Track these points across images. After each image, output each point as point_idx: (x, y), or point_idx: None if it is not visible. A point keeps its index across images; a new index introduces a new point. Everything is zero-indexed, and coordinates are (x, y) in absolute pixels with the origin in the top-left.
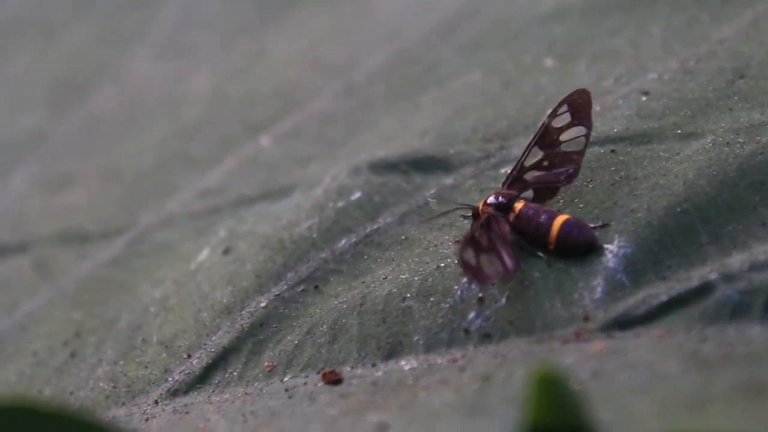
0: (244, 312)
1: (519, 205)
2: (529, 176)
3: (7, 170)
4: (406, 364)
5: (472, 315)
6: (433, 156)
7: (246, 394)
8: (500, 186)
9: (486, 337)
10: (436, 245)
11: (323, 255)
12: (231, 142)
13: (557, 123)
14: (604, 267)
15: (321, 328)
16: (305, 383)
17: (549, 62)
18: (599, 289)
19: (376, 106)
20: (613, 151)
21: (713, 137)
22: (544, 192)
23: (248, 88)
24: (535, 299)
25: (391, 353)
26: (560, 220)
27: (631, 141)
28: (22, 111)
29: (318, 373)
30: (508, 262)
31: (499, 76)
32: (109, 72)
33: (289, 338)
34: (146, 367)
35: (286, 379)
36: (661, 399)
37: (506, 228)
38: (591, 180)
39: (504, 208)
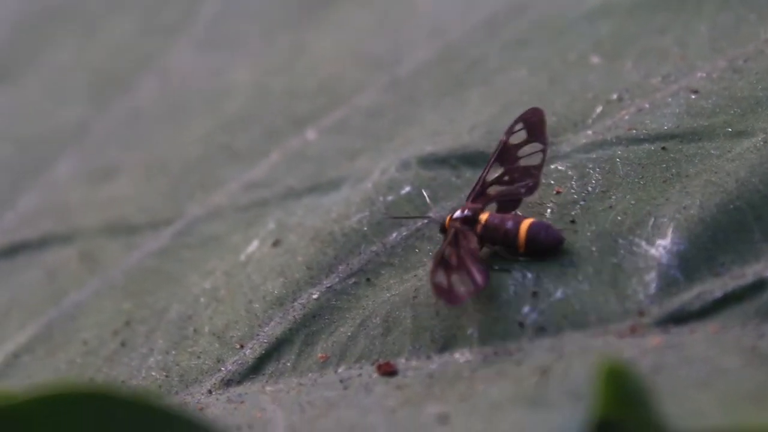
0: (296, 303)
1: (484, 216)
2: (492, 190)
3: (51, 161)
4: (461, 356)
5: (526, 309)
6: (482, 151)
7: (300, 384)
8: (465, 201)
9: (541, 330)
10: None
11: (374, 248)
12: (276, 136)
13: (514, 140)
14: (657, 263)
15: (374, 320)
16: (360, 375)
17: (595, 59)
18: (653, 284)
19: (421, 101)
20: (663, 148)
21: (764, 135)
22: (507, 204)
23: (291, 82)
24: (590, 294)
25: (446, 345)
26: (526, 224)
27: (681, 138)
28: (64, 102)
29: (372, 364)
30: (478, 278)
31: (545, 72)
32: (151, 64)
33: (342, 330)
34: (199, 357)
35: (340, 370)
36: (723, 393)
37: (474, 241)
38: (642, 177)
39: (470, 221)
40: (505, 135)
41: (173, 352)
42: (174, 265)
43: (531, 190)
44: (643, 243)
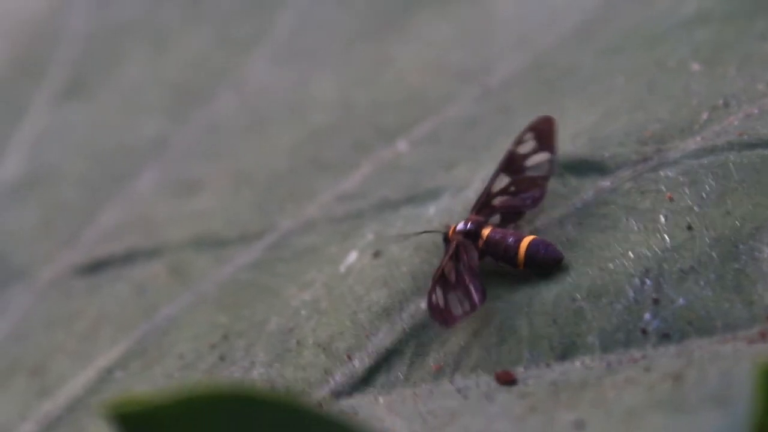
0: (403, 314)
1: (487, 231)
2: (497, 201)
3: (131, 176)
4: (582, 364)
5: (647, 316)
6: (587, 159)
7: (415, 395)
8: (472, 212)
9: (665, 337)
10: (600, 247)
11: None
12: (365, 147)
13: (522, 149)
14: None
15: (487, 330)
16: (478, 384)
17: (695, 66)
18: None
19: (516, 110)
20: None
21: None
22: (511, 216)
23: (377, 93)
24: (714, 300)
25: (565, 354)
26: (527, 241)
27: None
28: (141, 116)
29: (489, 373)
30: (476, 297)
31: (643, 79)
32: (228, 77)
33: (453, 340)
34: (304, 369)
35: (455, 380)
36: None
37: (475, 255)
38: (758, 182)
39: (472, 234)
40: (513, 144)
41: (277, 365)
42: (269, 278)
43: (536, 202)
44: (765, 248)
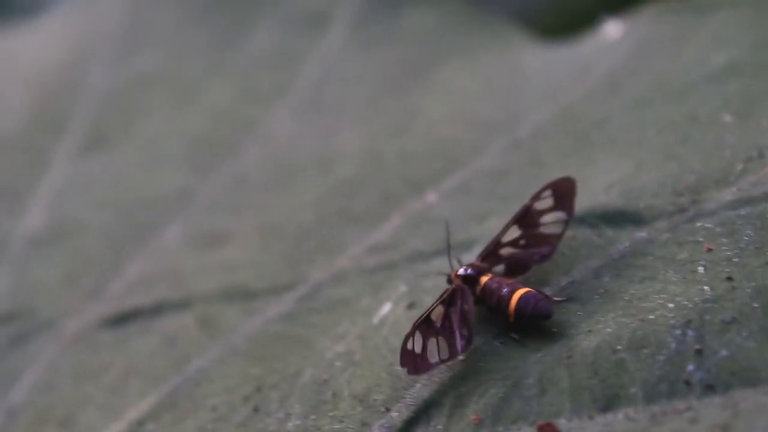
0: (441, 365)
1: (485, 279)
2: (504, 252)
3: (156, 228)
4: (626, 416)
5: (691, 367)
6: (622, 210)
7: None
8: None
9: (709, 388)
10: (639, 298)
11: None
12: (394, 199)
13: (539, 206)
14: None
15: (527, 381)
16: None
17: (727, 117)
18: None
19: (546, 161)
20: None
21: None
22: (516, 268)
23: (404, 146)
24: (757, 350)
25: (608, 405)
26: (518, 294)
27: None
28: (164, 170)
29: (531, 425)
30: (459, 343)
31: (675, 131)
32: (252, 130)
33: (492, 391)
34: (341, 421)
35: (497, 431)
36: None
37: (471, 301)
38: None
39: (471, 280)
40: (530, 199)
41: (312, 417)
42: (301, 330)
43: (544, 258)
44: None
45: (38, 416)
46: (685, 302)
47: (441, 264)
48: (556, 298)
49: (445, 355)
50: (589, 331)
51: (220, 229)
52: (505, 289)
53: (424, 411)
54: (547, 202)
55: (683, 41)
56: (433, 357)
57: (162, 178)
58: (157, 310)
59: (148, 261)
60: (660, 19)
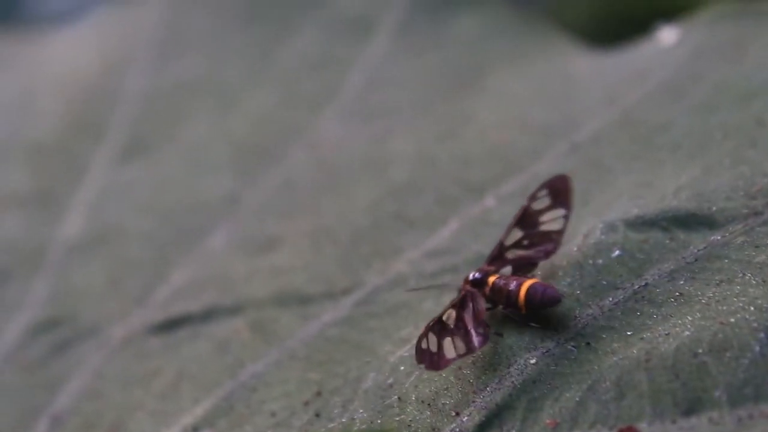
0: (512, 369)
1: (492, 279)
2: (510, 254)
3: (202, 234)
4: (710, 420)
5: None
6: (694, 213)
7: None
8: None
9: None
10: (718, 301)
11: (590, 311)
12: (450, 204)
13: (537, 206)
14: None
15: (603, 385)
16: None
17: None
18: None
19: (608, 166)
20: None
21: None
22: (523, 267)
23: (458, 150)
24: None
25: (691, 409)
26: (526, 285)
27: None
28: (208, 175)
29: (610, 429)
30: (475, 340)
31: (742, 136)
32: (299, 135)
33: (567, 395)
34: (409, 426)
35: None
36: None
37: (483, 303)
38: None
39: (480, 283)
40: (527, 200)
41: (379, 421)
42: (361, 335)
43: (549, 254)
44: None
45: (86, 422)
46: (767, 305)
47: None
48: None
49: (462, 351)
50: (667, 334)
51: (269, 234)
52: (512, 284)
53: (496, 415)
54: (544, 201)
55: (743, 47)
56: (450, 353)
57: (206, 183)
58: (207, 315)
59: (195, 266)
60: (716, 25)
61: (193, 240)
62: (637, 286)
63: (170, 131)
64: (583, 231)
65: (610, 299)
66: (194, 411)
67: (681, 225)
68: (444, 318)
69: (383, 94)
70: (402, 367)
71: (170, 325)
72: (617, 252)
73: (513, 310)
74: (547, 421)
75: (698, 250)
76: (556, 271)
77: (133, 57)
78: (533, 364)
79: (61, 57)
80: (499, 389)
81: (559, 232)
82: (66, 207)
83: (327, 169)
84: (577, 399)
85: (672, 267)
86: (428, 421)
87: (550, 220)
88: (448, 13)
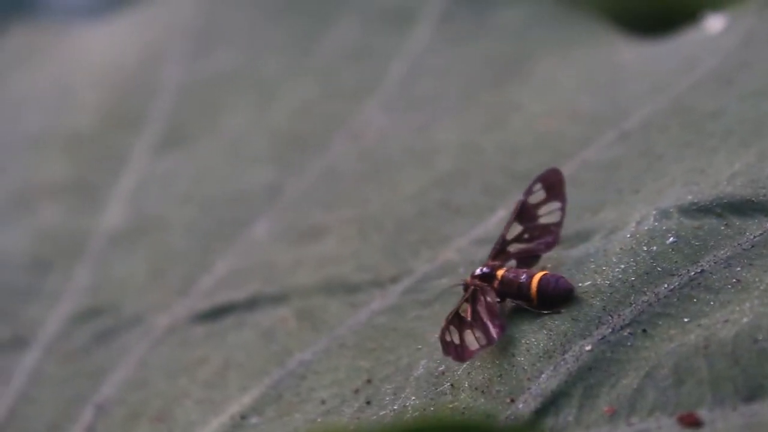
0: (567, 356)
1: (501, 272)
2: (512, 248)
3: (244, 224)
4: None
5: None
6: (750, 199)
7: None
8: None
9: None
10: None
11: (645, 298)
12: (498, 192)
13: (533, 200)
14: None
15: (661, 372)
16: (659, 427)
17: None
18: None
19: (659, 153)
20: None
21: None
22: (526, 260)
23: (504, 139)
24: None
25: (753, 395)
26: (537, 277)
27: None
28: (249, 166)
29: (670, 416)
30: (493, 331)
31: None
32: (340, 126)
33: (624, 382)
34: (463, 412)
35: (633, 422)
36: None
37: (493, 296)
38: None
39: (488, 277)
40: (523, 195)
41: (431, 408)
42: (410, 323)
43: (550, 246)
44: None
45: (131, 411)
46: None
47: (556, 255)
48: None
49: (483, 342)
50: (726, 321)
51: (313, 223)
52: (523, 277)
53: (552, 402)
54: (539, 195)
55: None
56: (473, 345)
57: (247, 174)
58: (251, 304)
59: (238, 256)
60: (765, 13)
61: (235, 230)
62: (693, 273)
63: (209, 122)
64: (635, 218)
65: (666, 286)
66: (242, 399)
67: (736, 211)
68: (461, 312)
69: (426, 84)
70: None
71: (214, 314)
72: (672, 239)
73: (524, 302)
74: (605, 408)
75: (755, 237)
76: (563, 262)
77: (169, 49)
78: (588, 350)
79: (99, 49)
80: (555, 376)
81: (558, 224)
82: (106, 197)
83: (370, 158)
84: (635, 386)
85: (728, 254)
86: (482, 408)
87: (548, 213)
88: (489, 2)
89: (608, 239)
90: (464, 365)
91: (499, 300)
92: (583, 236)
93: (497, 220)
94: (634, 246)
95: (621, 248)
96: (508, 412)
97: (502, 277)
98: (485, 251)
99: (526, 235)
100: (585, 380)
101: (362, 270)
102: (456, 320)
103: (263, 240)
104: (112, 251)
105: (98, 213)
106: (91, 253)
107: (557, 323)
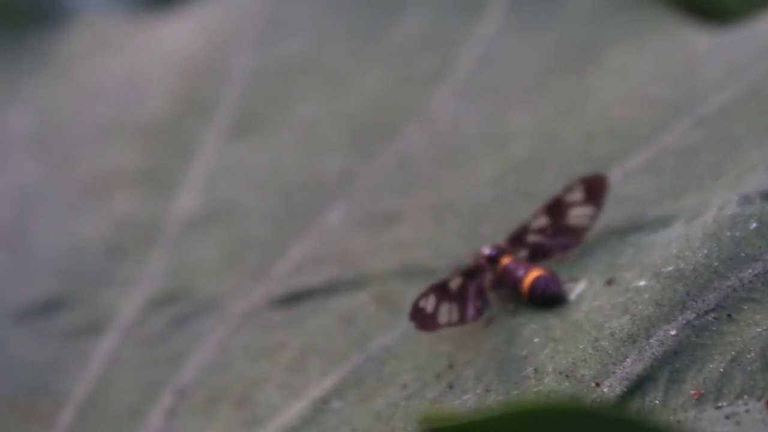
0: (651, 340)
1: (505, 260)
2: (530, 238)
3: (319, 209)
4: None
5: None
6: None
7: (679, 422)
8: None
9: None
10: None
11: (729, 283)
12: (574, 177)
13: (569, 198)
14: None
15: (748, 356)
16: (747, 410)
17: None
18: None
19: (738, 139)
20: None
21: None
22: (539, 255)
23: (579, 125)
24: None
25: None
26: (532, 275)
27: None
28: (322, 153)
29: (759, 399)
30: (470, 312)
31: None
32: (413, 113)
33: (710, 366)
34: (548, 396)
35: (720, 406)
36: None
37: (489, 279)
38: None
39: (493, 260)
40: (561, 190)
41: (515, 392)
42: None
43: (567, 248)
44: None
45: (212, 395)
46: None
47: (637, 240)
48: (564, 279)
49: (455, 319)
50: None
51: (388, 209)
52: (521, 271)
53: (638, 386)
54: (577, 195)
55: None
56: (442, 319)
57: (320, 160)
58: (329, 289)
59: (314, 241)
60: None
61: (309, 216)
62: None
63: (280, 109)
64: (717, 204)
65: (750, 271)
66: (323, 383)
67: None
68: (449, 282)
69: (497, 71)
70: (536, 339)
71: (292, 300)
72: (754, 224)
73: (517, 295)
74: (692, 392)
75: None
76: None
77: (238, 37)
78: (673, 335)
79: (168, 39)
80: (640, 360)
81: (583, 230)
82: (178, 184)
83: (444, 145)
84: (721, 370)
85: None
86: (568, 391)
87: (578, 216)
88: None
89: (690, 225)
90: (547, 350)
91: (496, 285)
92: (664, 221)
93: None
94: (716, 231)
95: (704, 233)
96: (594, 396)
97: (505, 265)
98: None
99: (549, 230)
100: (670, 364)
101: (440, 255)
102: (440, 289)
103: (338, 226)
104: (187, 237)
105: (172, 200)
106: (165, 240)
107: (640, 308)
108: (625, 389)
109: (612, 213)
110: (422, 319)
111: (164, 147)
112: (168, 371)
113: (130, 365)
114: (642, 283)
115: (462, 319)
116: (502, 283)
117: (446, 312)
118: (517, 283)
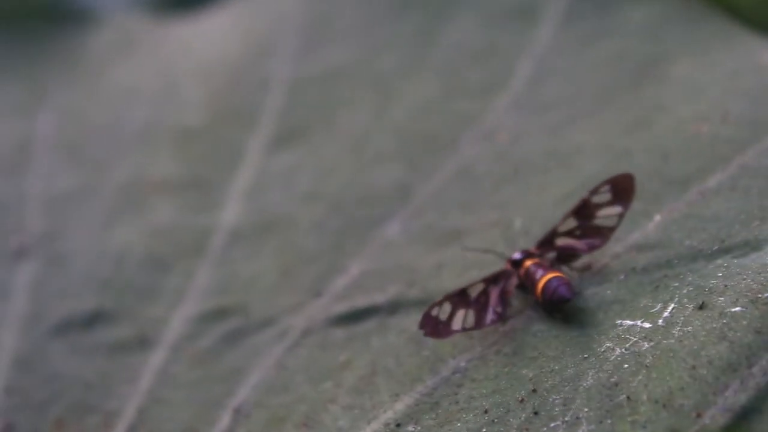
0: (753, 369)
1: (528, 263)
2: (559, 241)
3: (376, 223)
4: None
5: None
6: None
7: None
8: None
9: None
10: None
11: None
12: (651, 197)
13: (597, 199)
14: None
15: None
16: None
17: None
18: None
19: None
20: None
21: None
22: (567, 256)
23: (651, 141)
24: None
25: None
26: (546, 277)
27: None
28: (374, 163)
29: None
30: (488, 317)
31: None
32: (468, 125)
33: None
34: (644, 427)
35: None
36: None
37: (513, 283)
38: None
39: (518, 264)
40: (588, 193)
41: (609, 421)
42: (572, 330)
43: (594, 248)
44: None
45: (274, 416)
46: None
47: (726, 263)
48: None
49: (470, 324)
50: None
51: (450, 225)
52: (539, 273)
53: (743, 418)
54: (605, 196)
55: None
56: (456, 325)
57: (374, 172)
58: (394, 307)
59: (372, 257)
60: None
61: (366, 230)
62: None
63: (325, 118)
64: None
65: None
66: (394, 406)
67: None
68: (468, 289)
69: (555, 84)
70: (626, 365)
71: (354, 317)
72: None
73: (534, 298)
74: None
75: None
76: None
77: (277, 43)
78: None
79: (201, 42)
80: (744, 391)
81: (611, 229)
82: (222, 194)
83: (506, 159)
84: None
85: None
86: (666, 422)
87: (606, 216)
88: (614, 2)
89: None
90: (639, 377)
91: (520, 289)
92: (753, 245)
93: (654, 225)
94: None
95: None
96: (695, 428)
97: (527, 268)
98: (647, 258)
99: (577, 232)
100: None
101: None
102: (456, 297)
103: (397, 241)
104: (234, 250)
105: (215, 210)
106: (211, 252)
107: (739, 335)
108: (729, 421)
109: (692, 234)
110: (433, 326)
111: (205, 155)
112: (224, 389)
113: (181, 382)
114: (737, 309)
115: (478, 324)
116: (524, 286)
117: (461, 318)
118: (534, 285)
